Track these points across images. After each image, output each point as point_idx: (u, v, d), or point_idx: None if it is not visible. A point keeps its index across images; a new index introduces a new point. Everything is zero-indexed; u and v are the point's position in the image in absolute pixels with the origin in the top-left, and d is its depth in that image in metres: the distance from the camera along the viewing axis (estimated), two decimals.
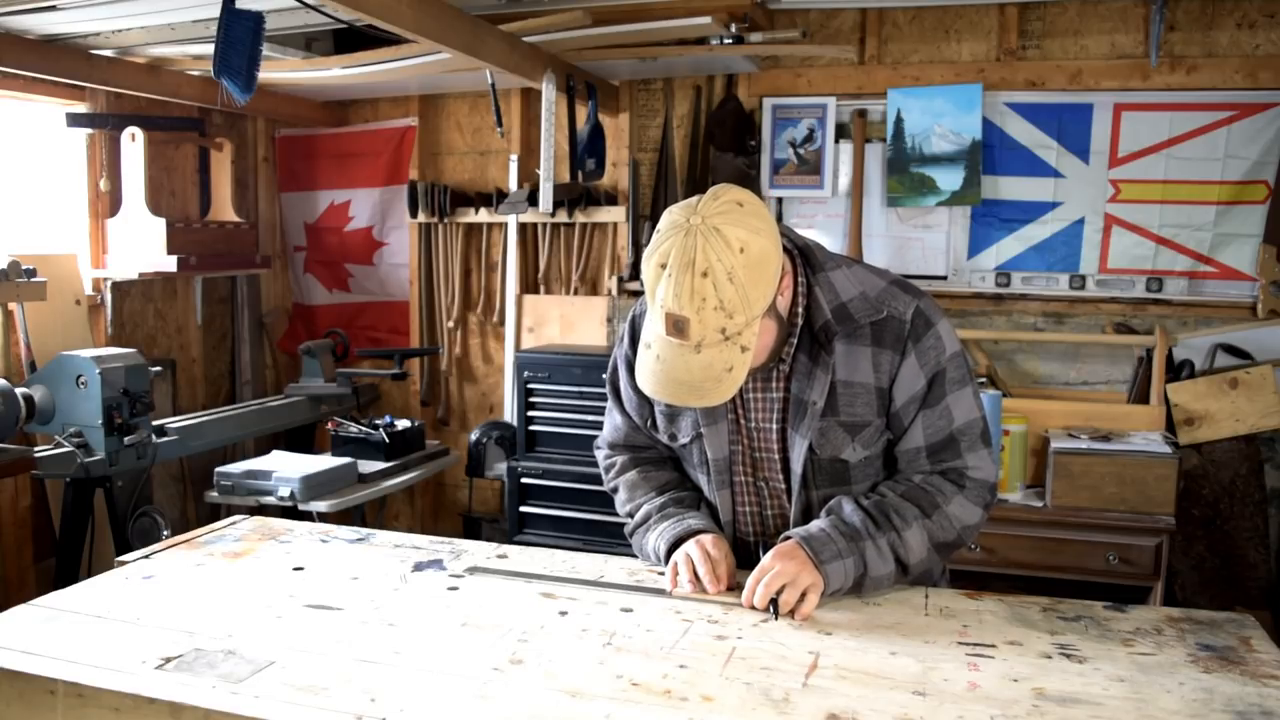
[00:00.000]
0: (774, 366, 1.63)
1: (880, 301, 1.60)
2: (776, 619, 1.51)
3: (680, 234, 1.40)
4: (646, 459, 1.86)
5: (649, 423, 1.79)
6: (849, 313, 1.58)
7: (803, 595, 1.52)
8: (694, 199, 1.45)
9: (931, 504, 1.60)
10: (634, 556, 1.81)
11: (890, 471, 1.69)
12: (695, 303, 1.38)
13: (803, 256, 1.62)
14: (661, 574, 1.71)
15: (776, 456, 1.67)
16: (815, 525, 1.60)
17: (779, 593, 1.52)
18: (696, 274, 1.37)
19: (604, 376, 1.88)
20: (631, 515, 1.81)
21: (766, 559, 1.57)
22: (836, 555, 1.54)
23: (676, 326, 1.39)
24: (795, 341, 1.60)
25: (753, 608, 1.54)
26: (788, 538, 1.60)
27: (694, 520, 1.70)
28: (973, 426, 1.63)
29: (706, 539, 1.66)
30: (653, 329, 1.45)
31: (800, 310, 1.60)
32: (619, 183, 4.12)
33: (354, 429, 3.80)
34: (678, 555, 1.65)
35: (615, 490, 1.87)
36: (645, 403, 1.78)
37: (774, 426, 1.66)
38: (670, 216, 1.45)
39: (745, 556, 1.75)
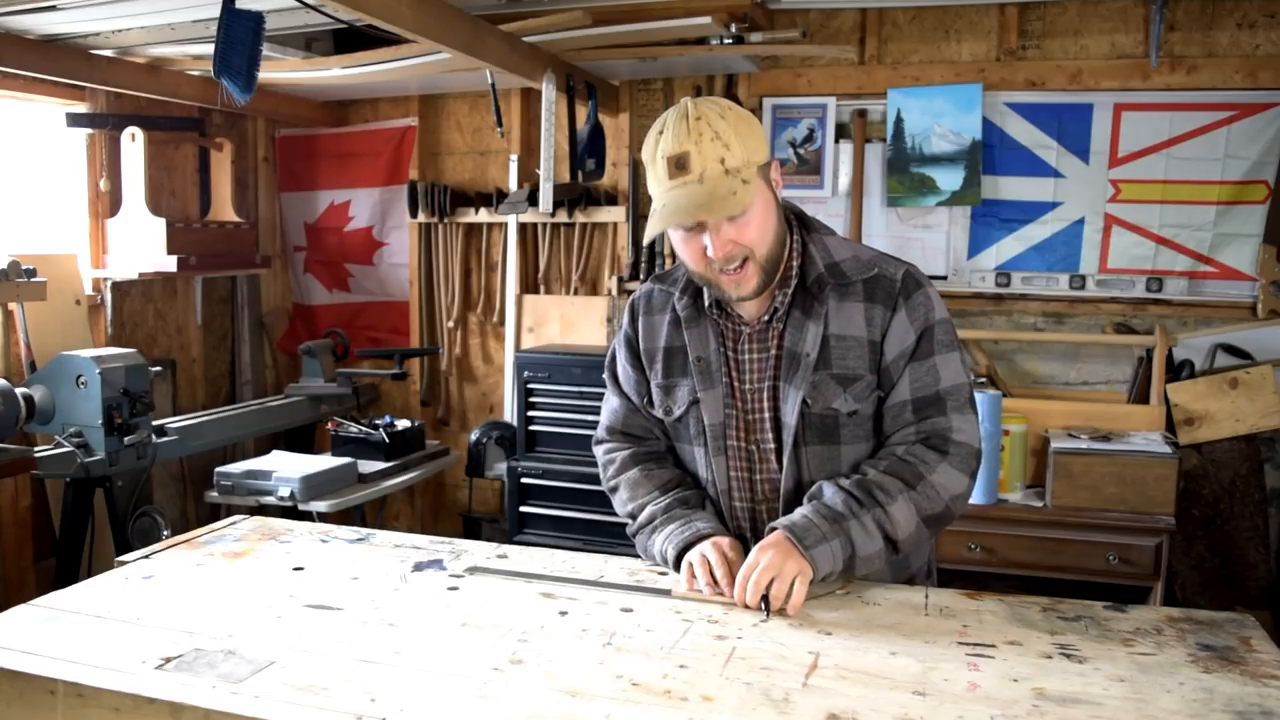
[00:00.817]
0: (768, 322, 1.67)
1: (871, 263, 1.67)
2: (768, 618, 1.51)
3: (674, 109, 1.57)
4: (647, 454, 1.84)
5: (646, 400, 1.80)
6: (841, 270, 1.65)
7: (792, 586, 1.52)
8: None
9: (915, 475, 1.60)
10: (634, 556, 1.81)
11: (879, 439, 1.69)
12: (693, 137, 1.51)
13: (798, 218, 1.72)
14: (663, 574, 1.71)
15: (767, 416, 1.69)
16: (798, 513, 1.60)
17: (769, 589, 1.52)
18: (691, 119, 1.52)
19: (603, 368, 1.90)
20: (633, 516, 1.80)
21: (751, 555, 1.57)
22: (821, 539, 1.55)
23: (678, 164, 1.52)
24: (790, 293, 1.66)
25: (746, 607, 1.54)
26: (773, 529, 1.60)
27: (701, 523, 1.69)
28: (959, 390, 1.65)
29: (724, 541, 1.65)
30: (655, 193, 1.57)
31: (795, 265, 1.66)
32: (619, 183, 4.12)
33: (354, 429, 3.80)
34: (693, 557, 1.64)
35: (615, 489, 1.85)
36: (643, 379, 1.80)
37: (766, 385, 1.68)
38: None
39: (735, 523, 1.76)
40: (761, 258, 1.59)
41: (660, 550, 1.71)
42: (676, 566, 1.68)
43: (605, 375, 1.90)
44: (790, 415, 1.64)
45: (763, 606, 1.52)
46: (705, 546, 1.64)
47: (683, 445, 1.80)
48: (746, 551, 1.66)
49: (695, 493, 1.78)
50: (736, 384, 1.71)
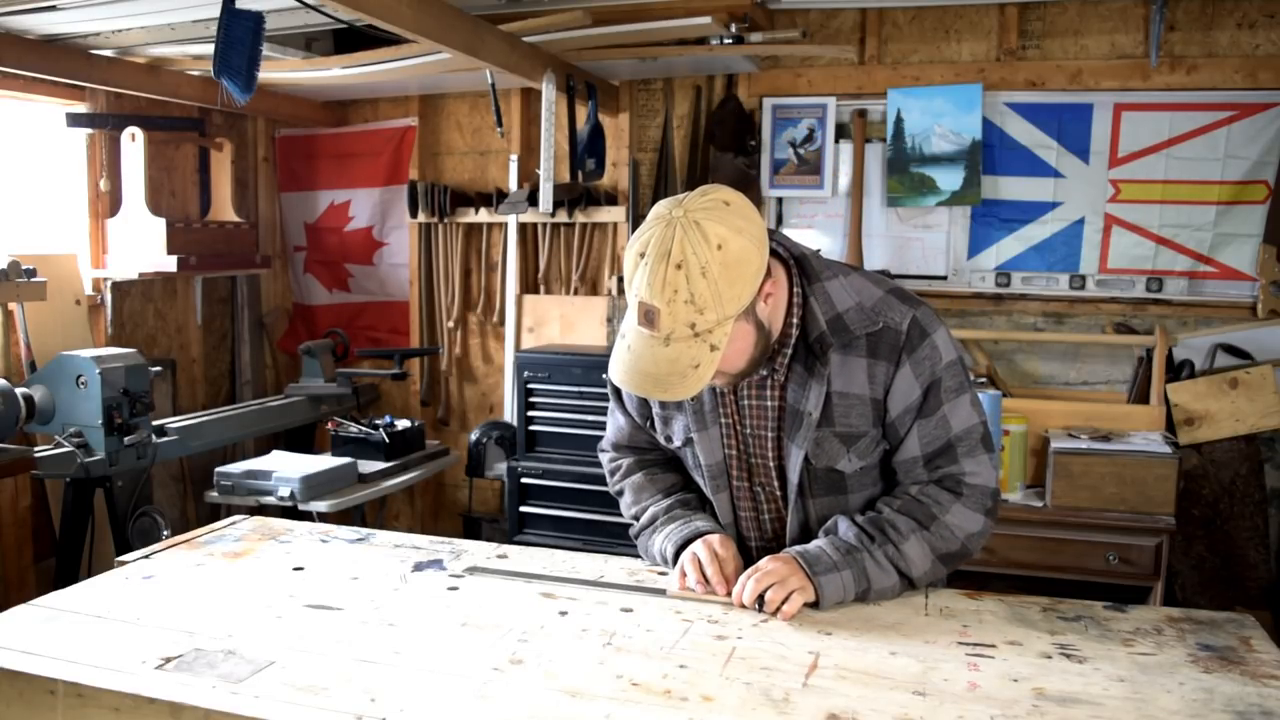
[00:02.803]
0: (769, 375, 1.62)
1: (876, 312, 1.58)
2: (761, 610, 1.53)
3: (661, 225, 1.41)
4: (651, 461, 1.86)
5: (649, 422, 1.80)
6: (844, 324, 1.57)
7: (789, 596, 1.52)
8: (684, 194, 1.46)
9: (928, 515, 1.59)
10: (634, 556, 1.81)
11: (888, 481, 1.69)
12: (666, 294, 1.38)
13: (798, 266, 1.60)
14: (663, 574, 1.71)
15: (771, 464, 1.67)
16: (812, 544, 1.60)
17: (766, 592, 1.53)
18: (670, 265, 1.38)
19: (605, 376, 1.88)
20: (637, 518, 1.81)
21: (761, 562, 1.58)
22: (832, 568, 1.54)
23: (647, 317, 1.41)
24: (790, 352, 1.59)
25: (741, 605, 1.55)
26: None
27: (701, 522, 1.70)
28: (971, 433, 1.62)
29: (714, 539, 1.66)
30: (629, 318, 1.46)
31: (795, 321, 1.58)
32: (619, 183, 4.12)
33: (354, 429, 3.80)
34: (685, 555, 1.65)
35: (621, 493, 1.87)
36: (644, 402, 1.78)
37: (769, 435, 1.65)
38: (656, 209, 1.45)
39: (746, 559, 1.74)
40: (739, 374, 1.55)
41: (660, 549, 1.72)
42: (675, 565, 1.68)
43: (609, 388, 1.87)
44: (794, 472, 1.63)
45: (757, 607, 1.53)
46: (697, 545, 1.65)
47: (690, 471, 1.81)
48: (741, 552, 1.68)
49: (696, 496, 1.79)
50: (737, 426, 1.68)
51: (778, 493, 1.69)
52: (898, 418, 1.60)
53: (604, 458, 1.93)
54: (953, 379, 1.60)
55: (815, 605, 1.54)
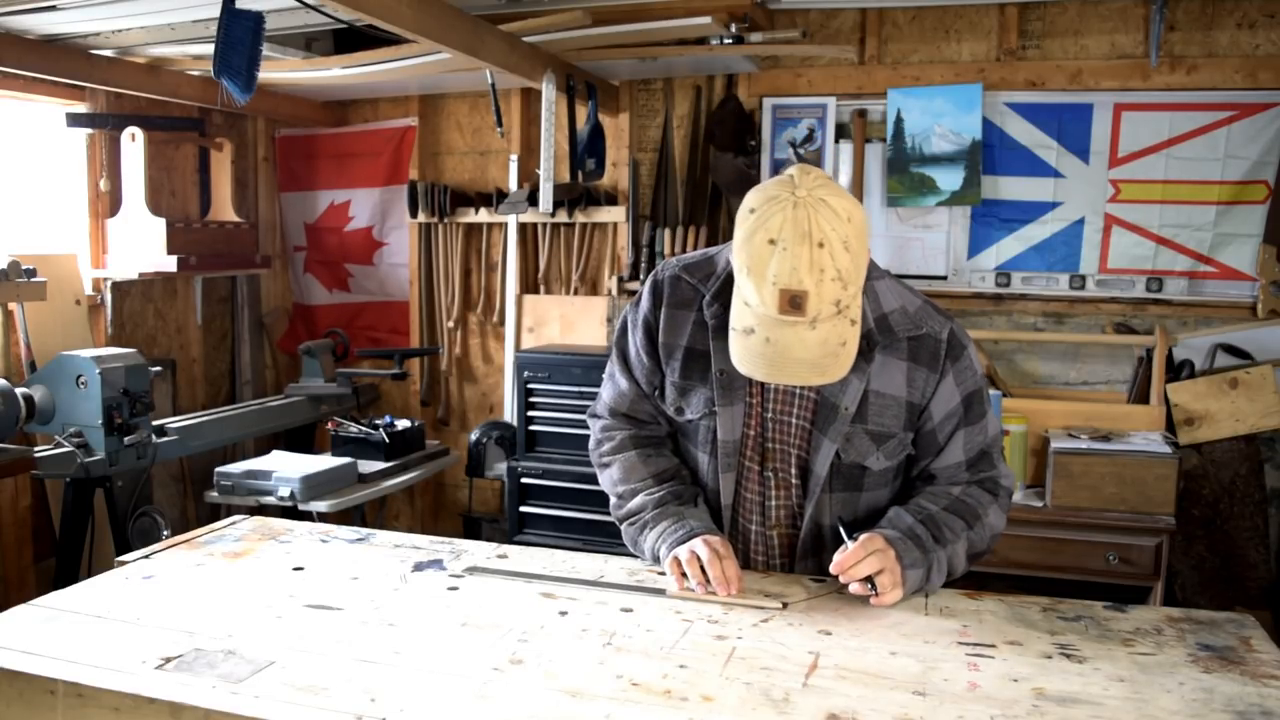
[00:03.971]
0: None
1: (918, 319, 1.62)
2: (873, 593, 1.54)
3: (788, 206, 1.37)
4: (648, 438, 1.81)
5: (657, 391, 1.76)
6: (889, 325, 1.60)
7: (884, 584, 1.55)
8: (782, 176, 1.43)
9: (974, 516, 1.66)
10: (635, 556, 1.80)
11: (903, 482, 1.72)
12: (814, 275, 1.35)
13: None
14: (662, 574, 1.70)
15: (793, 451, 1.67)
16: (891, 532, 1.59)
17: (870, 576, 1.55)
18: (813, 245, 1.35)
19: (614, 339, 1.84)
20: (622, 498, 1.78)
21: (865, 540, 1.55)
22: (914, 564, 1.57)
23: (793, 303, 1.36)
24: None
25: (839, 582, 1.55)
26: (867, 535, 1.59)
27: (695, 522, 1.69)
28: (998, 440, 1.73)
29: (715, 540, 1.65)
30: (755, 312, 1.41)
31: None
32: (619, 183, 4.12)
33: (354, 429, 3.80)
34: (682, 554, 1.63)
35: (607, 465, 1.82)
36: (657, 370, 1.75)
37: (797, 423, 1.66)
38: (765, 193, 1.41)
39: (743, 544, 1.75)
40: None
41: (653, 548, 1.71)
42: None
43: (613, 352, 1.83)
44: (822, 465, 1.64)
45: (870, 588, 1.55)
46: (697, 544, 1.63)
47: (688, 445, 1.78)
48: (736, 534, 1.70)
49: (689, 488, 1.77)
50: (757, 407, 1.68)
51: (793, 480, 1.68)
52: (939, 424, 1.65)
53: (595, 424, 1.87)
54: (985, 391, 1.69)
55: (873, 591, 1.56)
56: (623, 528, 1.80)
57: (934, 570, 1.59)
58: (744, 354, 1.45)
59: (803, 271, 1.35)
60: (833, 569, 1.55)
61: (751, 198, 1.43)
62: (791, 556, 1.73)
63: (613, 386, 1.84)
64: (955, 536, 1.62)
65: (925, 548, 1.59)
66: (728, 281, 1.57)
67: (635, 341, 1.77)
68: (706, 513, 1.74)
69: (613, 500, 1.82)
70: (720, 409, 1.67)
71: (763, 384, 1.65)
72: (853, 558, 1.53)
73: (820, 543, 1.70)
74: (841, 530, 1.62)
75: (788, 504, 1.71)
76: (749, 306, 1.42)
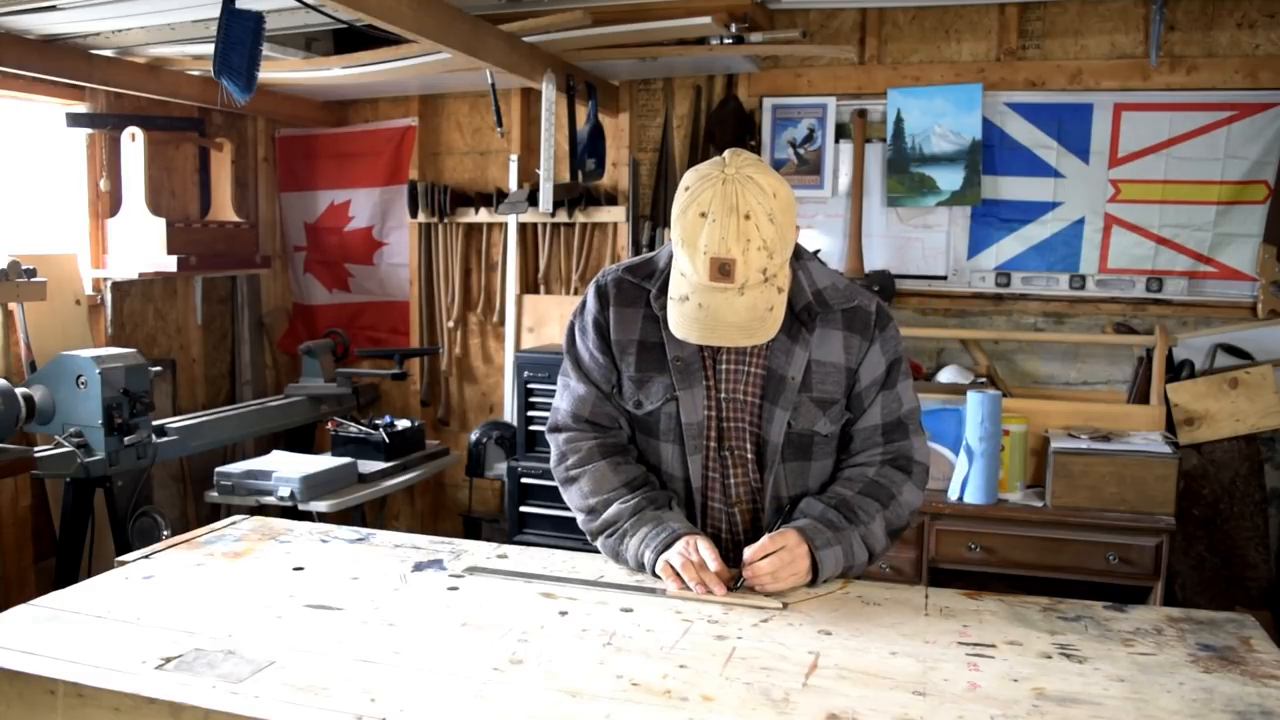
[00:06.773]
0: None
1: (849, 293, 1.75)
2: (737, 587, 1.61)
3: (717, 184, 1.49)
4: (614, 445, 1.81)
5: (615, 388, 1.78)
6: (825, 299, 1.71)
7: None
8: (715, 158, 1.56)
9: (888, 495, 1.74)
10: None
11: (840, 451, 1.79)
12: (740, 244, 1.47)
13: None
14: (657, 576, 1.70)
15: (747, 427, 1.73)
16: (803, 520, 1.68)
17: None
18: (740, 217, 1.47)
19: (564, 347, 1.87)
20: (594, 510, 1.77)
21: (768, 540, 1.63)
22: (827, 544, 1.65)
23: (722, 270, 1.48)
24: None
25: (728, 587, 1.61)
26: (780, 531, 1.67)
27: (676, 524, 1.69)
28: (915, 413, 1.81)
29: (702, 542, 1.65)
30: (689, 280, 1.54)
31: None
32: (619, 183, 4.12)
33: (354, 429, 3.80)
34: (673, 558, 1.63)
35: (575, 479, 1.81)
36: (612, 367, 1.78)
37: (748, 399, 1.72)
38: (699, 172, 1.54)
39: (710, 524, 1.80)
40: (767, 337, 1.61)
41: (636, 555, 1.70)
42: (655, 571, 1.67)
43: (565, 359, 1.85)
44: (776, 435, 1.72)
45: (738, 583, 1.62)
46: (688, 545, 1.64)
47: (649, 440, 1.79)
48: (704, 528, 1.76)
49: (663, 492, 1.78)
50: (713, 390, 1.73)
51: (749, 456, 1.75)
52: (865, 388, 1.75)
53: (557, 439, 1.86)
54: (904, 364, 1.80)
55: (811, 583, 1.64)
56: (599, 541, 1.78)
57: (853, 548, 1.67)
58: (680, 319, 1.57)
59: (730, 241, 1.47)
60: (744, 560, 1.63)
61: (687, 177, 1.56)
62: (755, 531, 1.76)
63: (570, 395, 1.85)
64: (870, 517, 1.70)
65: (837, 527, 1.67)
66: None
67: (588, 344, 1.80)
68: (683, 514, 1.75)
69: (581, 516, 1.80)
70: (681, 393, 1.72)
71: (715, 366, 1.73)
72: (760, 551, 1.62)
73: (781, 516, 1.75)
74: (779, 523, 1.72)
75: (746, 480, 1.76)
76: (684, 276, 1.55)
